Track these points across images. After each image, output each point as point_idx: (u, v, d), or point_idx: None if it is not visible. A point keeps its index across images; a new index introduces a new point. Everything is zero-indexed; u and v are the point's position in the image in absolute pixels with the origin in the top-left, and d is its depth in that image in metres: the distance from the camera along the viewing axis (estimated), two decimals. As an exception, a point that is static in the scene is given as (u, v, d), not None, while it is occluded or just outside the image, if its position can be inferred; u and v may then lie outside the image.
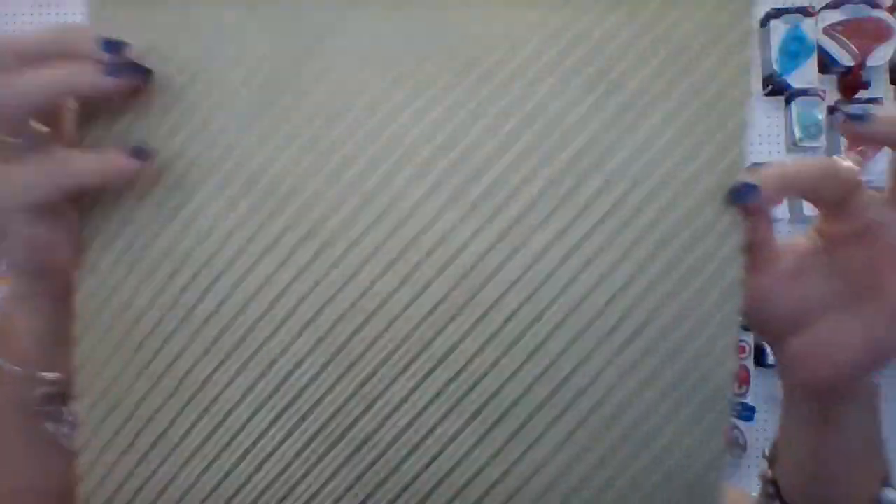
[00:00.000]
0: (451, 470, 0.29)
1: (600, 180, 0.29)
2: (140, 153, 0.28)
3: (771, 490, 0.36)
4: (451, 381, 0.29)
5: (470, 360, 0.29)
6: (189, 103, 0.30)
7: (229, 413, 0.29)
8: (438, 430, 0.29)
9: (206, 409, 0.29)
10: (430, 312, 0.29)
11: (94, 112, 0.30)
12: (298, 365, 0.29)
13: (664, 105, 0.28)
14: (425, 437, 0.29)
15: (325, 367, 0.29)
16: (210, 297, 0.29)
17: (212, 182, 0.30)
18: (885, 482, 0.33)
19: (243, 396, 0.29)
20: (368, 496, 0.29)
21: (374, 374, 0.29)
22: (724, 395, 0.29)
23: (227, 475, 0.29)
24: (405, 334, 0.29)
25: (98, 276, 0.30)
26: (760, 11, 1.32)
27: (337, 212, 0.29)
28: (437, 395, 0.29)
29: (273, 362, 0.29)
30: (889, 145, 0.28)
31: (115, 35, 0.28)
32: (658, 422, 0.29)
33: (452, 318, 0.29)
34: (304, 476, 0.29)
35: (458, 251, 0.29)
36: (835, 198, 0.28)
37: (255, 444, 0.29)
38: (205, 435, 0.29)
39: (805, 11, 1.31)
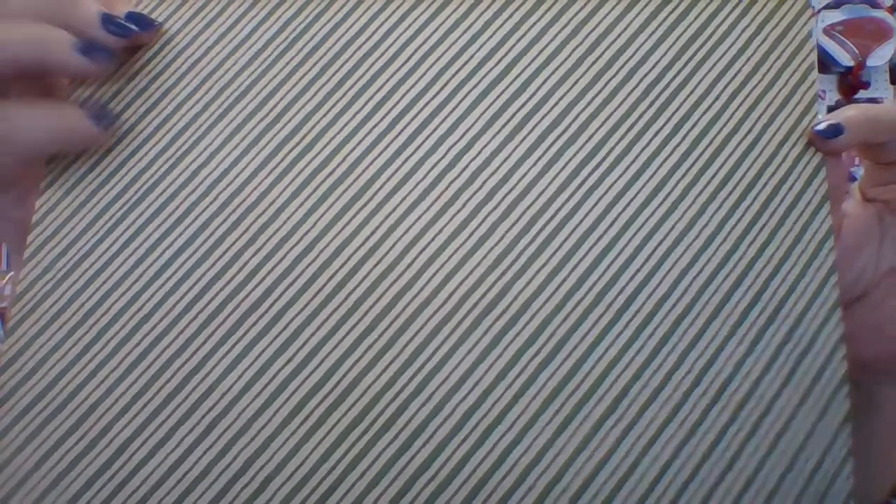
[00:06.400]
0: (529, 468, 0.22)
1: (677, 116, 0.25)
2: (102, 117, 0.24)
3: None
4: (523, 349, 0.23)
5: (546, 323, 0.23)
6: (200, 50, 0.26)
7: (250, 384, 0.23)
8: (511, 416, 0.23)
9: (216, 396, 0.23)
10: (495, 265, 0.23)
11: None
12: (328, 338, 0.23)
13: (733, 39, 0.26)
14: (495, 423, 0.23)
15: (364, 336, 0.23)
16: (222, 249, 0.24)
17: (228, 127, 0.25)
18: None
19: (257, 377, 0.23)
20: None
21: (427, 344, 0.23)
22: (835, 363, 0.23)
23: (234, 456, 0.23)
24: (465, 292, 0.23)
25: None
26: (761, 11, 1.31)
27: (373, 151, 0.24)
28: (508, 368, 0.23)
29: (299, 331, 0.23)
30: None
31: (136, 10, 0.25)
32: (770, 396, 0.23)
33: (522, 272, 0.23)
34: (341, 480, 0.22)
35: (523, 192, 0.24)
36: None
37: (273, 437, 0.23)
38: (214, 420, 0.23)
39: (805, 10, 1.30)
